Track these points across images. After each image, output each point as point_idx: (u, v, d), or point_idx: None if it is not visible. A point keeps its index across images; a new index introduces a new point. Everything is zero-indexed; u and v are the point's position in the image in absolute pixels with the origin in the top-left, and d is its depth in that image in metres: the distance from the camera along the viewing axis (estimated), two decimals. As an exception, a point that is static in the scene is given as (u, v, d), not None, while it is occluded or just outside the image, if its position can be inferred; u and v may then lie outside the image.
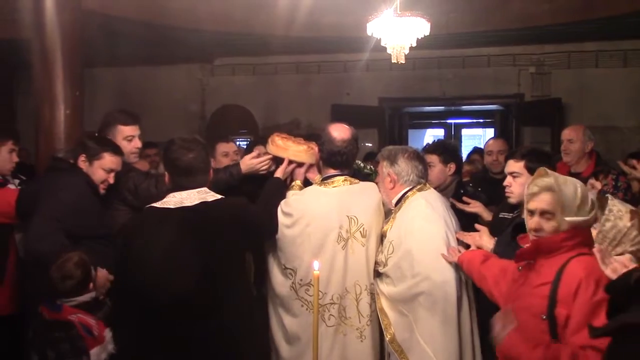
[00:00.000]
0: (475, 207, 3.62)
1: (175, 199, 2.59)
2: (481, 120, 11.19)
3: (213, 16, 6.86)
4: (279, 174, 3.26)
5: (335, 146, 3.11)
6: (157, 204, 2.61)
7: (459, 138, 11.00)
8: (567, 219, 2.28)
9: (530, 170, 2.96)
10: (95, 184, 3.28)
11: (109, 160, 3.27)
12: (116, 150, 3.34)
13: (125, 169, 3.45)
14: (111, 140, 3.44)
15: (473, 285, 2.93)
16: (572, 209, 2.29)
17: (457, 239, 3.01)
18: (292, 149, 3.27)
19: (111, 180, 3.31)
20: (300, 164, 3.32)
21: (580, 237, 2.30)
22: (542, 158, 3.03)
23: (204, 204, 2.59)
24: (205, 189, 2.67)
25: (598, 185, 3.59)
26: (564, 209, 2.30)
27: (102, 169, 3.27)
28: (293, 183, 3.32)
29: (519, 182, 3.04)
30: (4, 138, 3.82)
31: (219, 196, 2.69)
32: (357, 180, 3.20)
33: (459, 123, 11.19)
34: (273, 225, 3.04)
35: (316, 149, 3.27)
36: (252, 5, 6.58)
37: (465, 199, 3.67)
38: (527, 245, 2.43)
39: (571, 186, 2.32)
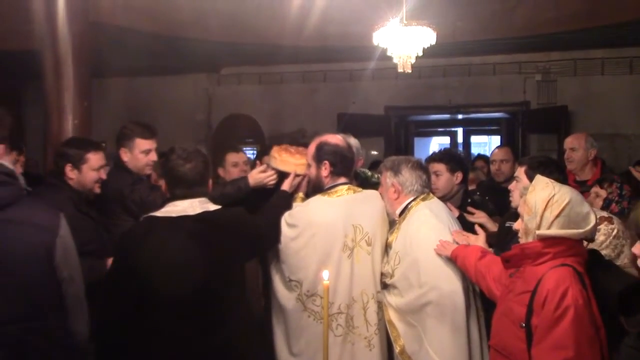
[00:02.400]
0: (479, 217, 3.61)
1: (178, 208, 2.55)
2: (487, 128, 11.17)
3: (221, 27, 6.92)
4: (285, 186, 3.26)
5: (349, 152, 3.17)
6: (157, 213, 2.57)
7: (468, 145, 10.97)
8: (537, 231, 2.27)
9: (529, 177, 2.95)
10: (84, 192, 3.25)
11: (94, 159, 3.25)
12: (97, 146, 3.32)
13: (129, 181, 3.45)
14: (86, 138, 3.42)
15: (481, 294, 2.93)
16: (536, 216, 2.28)
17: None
18: (293, 162, 3.29)
19: (103, 176, 3.30)
20: (302, 176, 3.33)
21: (563, 246, 2.25)
22: (545, 166, 3.00)
23: (206, 213, 2.56)
24: (205, 199, 2.63)
25: (603, 193, 3.58)
26: (530, 215, 2.30)
27: (92, 170, 3.25)
28: (295, 195, 3.32)
29: (518, 187, 3.05)
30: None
31: (219, 206, 2.65)
32: (360, 189, 3.20)
33: (465, 131, 11.17)
34: (275, 236, 3.02)
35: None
36: (260, 15, 6.63)
37: (469, 209, 3.67)
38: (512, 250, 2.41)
39: (542, 194, 2.30)
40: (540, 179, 2.37)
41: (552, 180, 2.36)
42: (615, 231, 2.85)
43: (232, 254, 2.59)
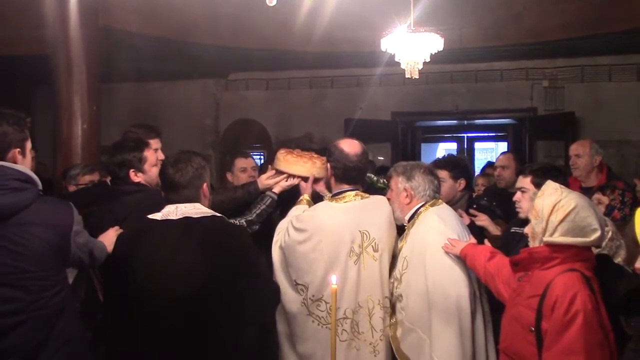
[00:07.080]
0: (481, 220, 3.62)
1: (165, 211, 2.59)
2: (494, 134, 11.18)
3: (229, 32, 6.96)
4: (276, 189, 3.41)
5: (350, 161, 3.09)
6: (151, 215, 2.61)
7: (471, 152, 11.00)
8: (544, 238, 2.30)
9: (537, 186, 2.97)
10: None
11: (150, 154, 3.23)
12: (147, 142, 3.31)
13: None
14: (127, 139, 3.35)
15: (489, 297, 2.94)
16: (542, 220, 2.30)
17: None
18: (296, 164, 3.35)
19: None
20: (305, 178, 3.37)
21: (571, 252, 2.28)
22: (550, 173, 3.01)
23: (187, 219, 2.54)
24: (196, 204, 2.61)
25: (605, 200, 3.58)
26: (537, 219, 2.33)
27: (153, 167, 3.20)
28: (301, 197, 3.34)
29: (526, 198, 3.07)
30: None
31: (209, 213, 2.61)
32: (367, 195, 3.17)
33: (472, 137, 11.18)
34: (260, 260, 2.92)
35: (319, 162, 3.32)
36: (268, 21, 6.66)
37: (472, 211, 3.66)
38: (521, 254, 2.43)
39: (549, 199, 2.32)
40: (550, 184, 2.39)
41: (562, 186, 2.38)
42: (610, 233, 2.86)
43: (207, 263, 2.49)
